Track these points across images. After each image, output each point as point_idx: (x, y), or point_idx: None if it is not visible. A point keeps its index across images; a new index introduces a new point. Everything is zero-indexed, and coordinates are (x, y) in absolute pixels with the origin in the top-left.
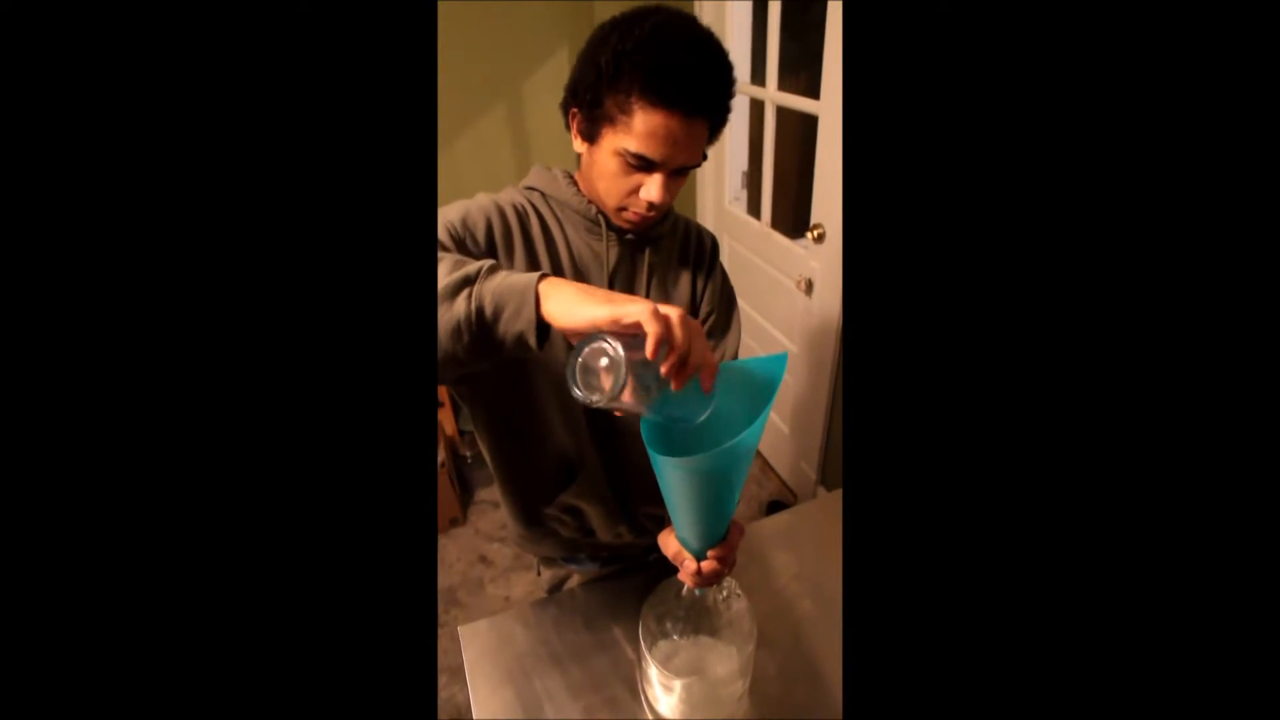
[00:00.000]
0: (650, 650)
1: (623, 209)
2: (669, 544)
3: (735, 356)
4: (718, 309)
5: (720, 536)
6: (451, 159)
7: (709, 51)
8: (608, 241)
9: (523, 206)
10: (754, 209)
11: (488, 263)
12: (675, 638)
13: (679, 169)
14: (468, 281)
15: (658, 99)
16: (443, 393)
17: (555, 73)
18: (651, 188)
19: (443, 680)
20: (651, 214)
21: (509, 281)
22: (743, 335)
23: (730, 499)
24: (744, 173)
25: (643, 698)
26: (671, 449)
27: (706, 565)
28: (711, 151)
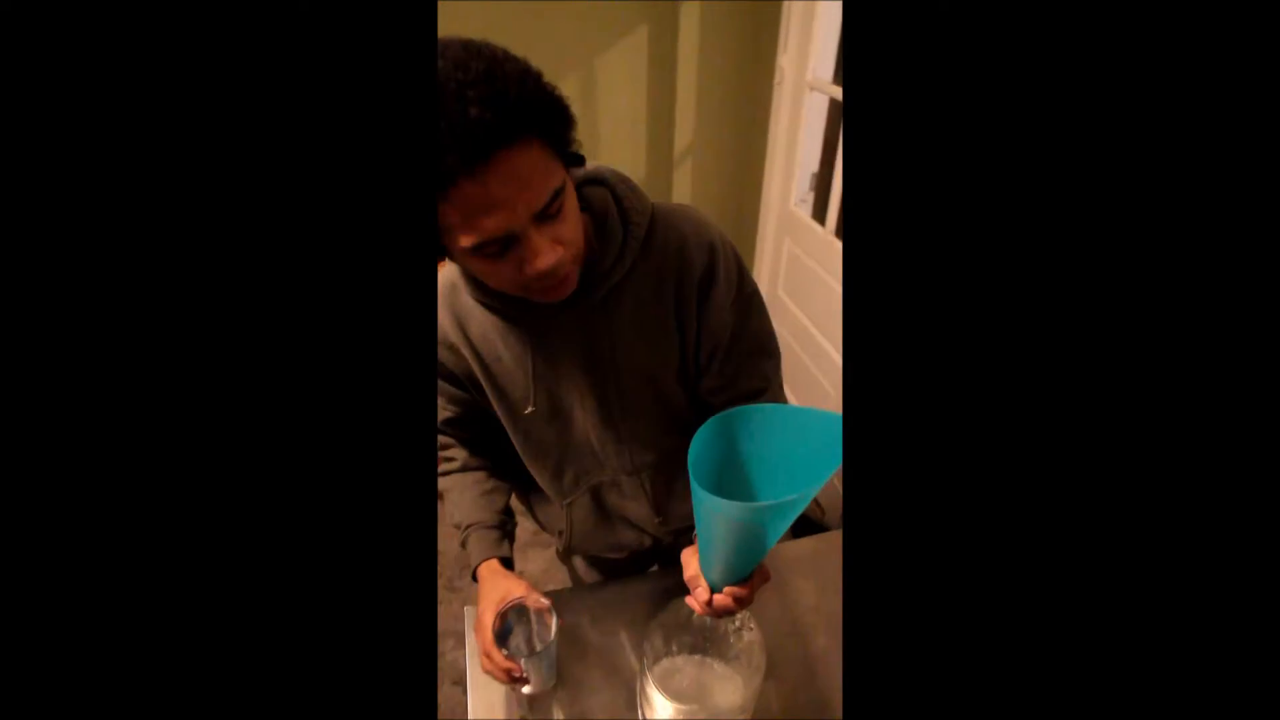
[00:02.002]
0: (651, 668)
1: (527, 290)
2: (689, 564)
3: (779, 372)
4: (738, 337)
5: (744, 578)
6: None
7: (458, 93)
8: (541, 327)
9: (443, 334)
10: (820, 213)
11: (461, 534)
12: (679, 660)
13: (540, 214)
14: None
15: (442, 181)
16: None
17: (632, 49)
18: (533, 260)
19: (448, 645)
20: (566, 271)
21: (469, 555)
22: (794, 345)
23: (763, 548)
24: (814, 174)
25: (639, 714)
26: (720, 487)
27: (720, 599)
28: (782, 149)
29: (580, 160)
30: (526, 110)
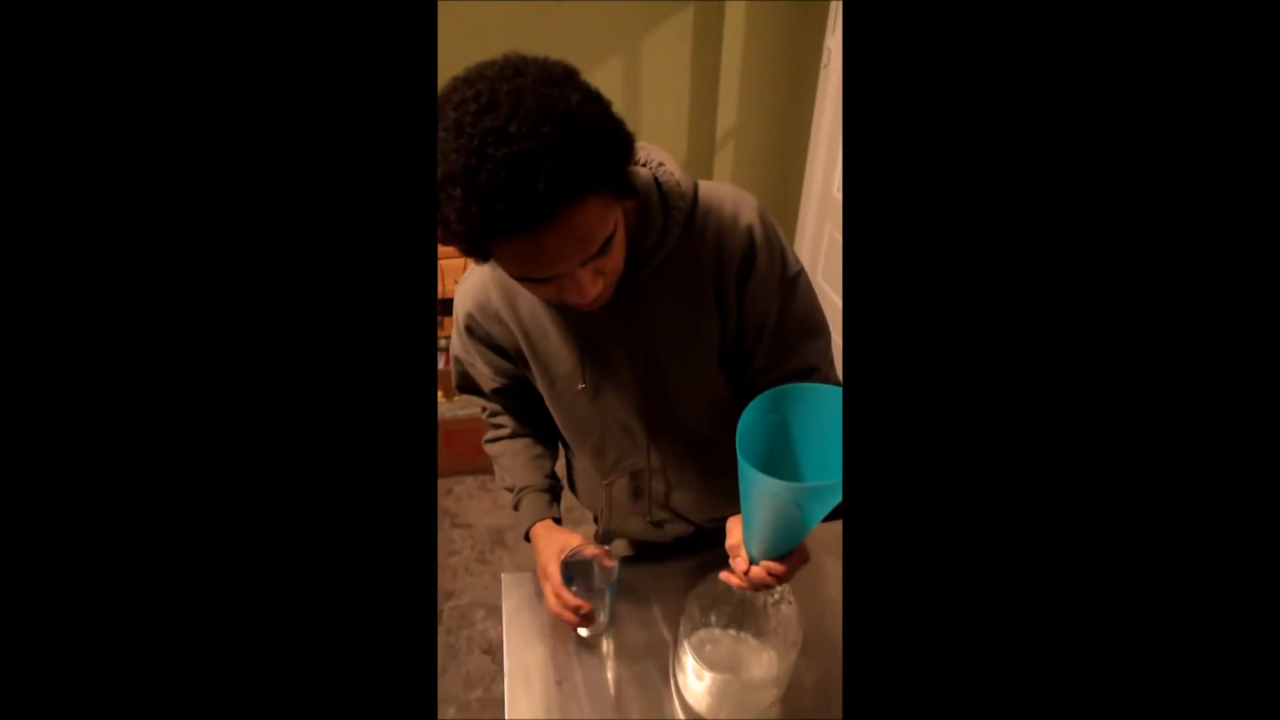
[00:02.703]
0: (688, 638)
1: (566, 304)
2: (733, 531)
3: (829, 350)
4: (784, 318)
5: (783, 555)
6: None
7: (530, 164)
8: (579, 319)
9: (493, 310)
10: None
11: (514, 496)
12: (716, 631)
13: (588, 258)
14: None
15: (502, 235)
16: None
17: (676, 31)
18: (575, 293)
19: (480, 615)
20: (603, 294)
21: (520, 519)
22: (832, 332)
23: (801, 529)
24: None
25: (673, 682)
26: (770, 462)
27: (756, 572)
28: (826, 133)
29: (634, 191)
30: (595, 167)
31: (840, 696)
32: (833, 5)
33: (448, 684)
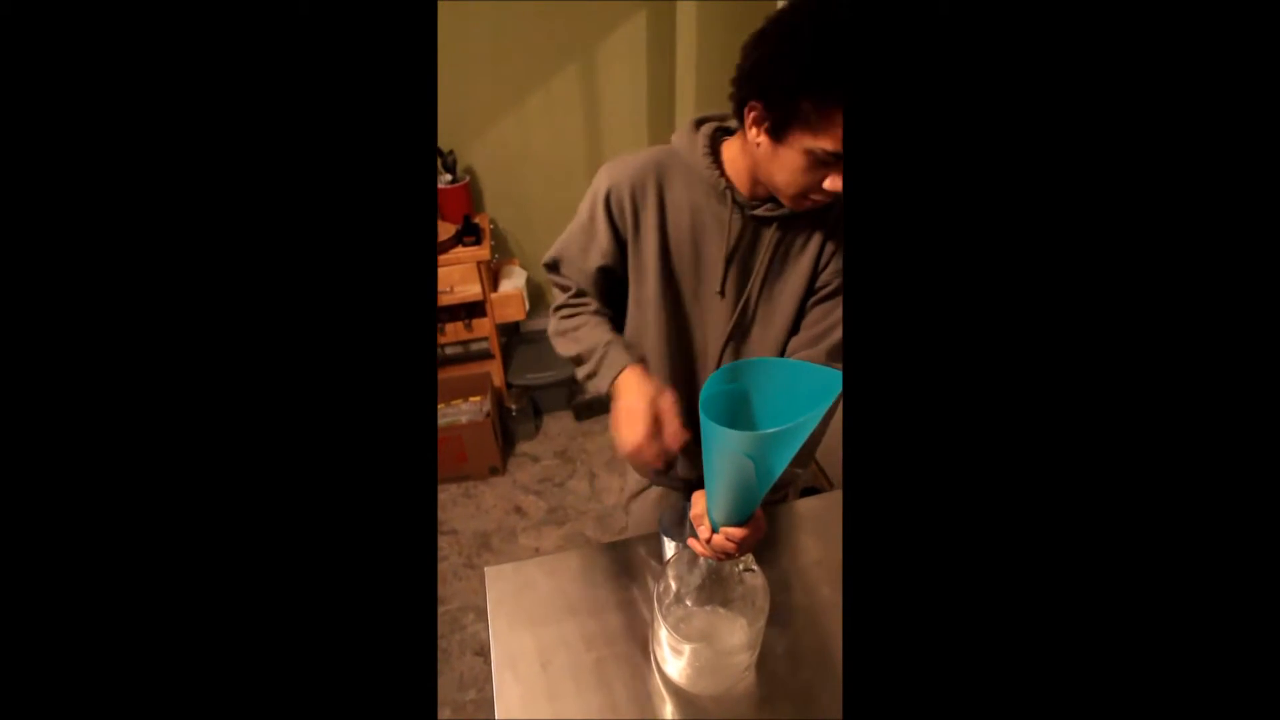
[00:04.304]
0: (663, 613)
1: (803, 197)
2: (697, 502)
3: None
4: (838, 287)
5: (741, 520)
6: (522, 116)
7: None
8: (732, 215)
9: (641, 181)
10: None
11: (596, 354)
12: (689, 604)
13: None
14: (580, 362)
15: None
16: (494, 345)
17: (629, 36)
18: (841, 179)
19: (469, 618)
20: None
21: (602, 371)
22: None
23: (757, 485)
24: None
25: (653, 658)
26: (732, 419)
27: (717, 539)
28: None
29: None
30: None
31: (809, 662)
32: (780, 5)
33: (441, 687)
